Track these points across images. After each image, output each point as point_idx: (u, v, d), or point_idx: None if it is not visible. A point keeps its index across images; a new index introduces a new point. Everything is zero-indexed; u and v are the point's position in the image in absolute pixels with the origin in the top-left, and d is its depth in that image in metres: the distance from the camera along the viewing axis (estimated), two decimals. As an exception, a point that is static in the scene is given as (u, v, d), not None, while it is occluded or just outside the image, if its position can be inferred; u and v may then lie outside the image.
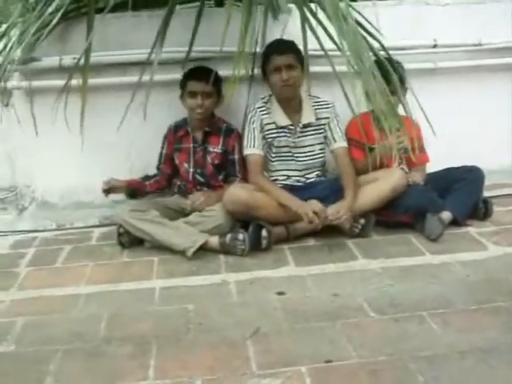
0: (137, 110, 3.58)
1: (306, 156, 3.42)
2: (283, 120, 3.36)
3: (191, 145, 3.46)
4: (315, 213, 3.09)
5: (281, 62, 3.21)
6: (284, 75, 3.22)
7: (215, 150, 3.44)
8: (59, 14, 3.22)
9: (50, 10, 3.16)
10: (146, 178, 3.56)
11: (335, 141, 3.40)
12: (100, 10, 3.13)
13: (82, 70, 2.99)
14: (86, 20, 3.20)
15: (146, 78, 3.53)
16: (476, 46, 3.81)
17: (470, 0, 3.78)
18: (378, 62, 2.80)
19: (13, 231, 3.63)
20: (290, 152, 3.41)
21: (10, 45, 3.25)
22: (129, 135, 3.63)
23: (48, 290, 2.81)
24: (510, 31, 3.82)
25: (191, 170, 3.46)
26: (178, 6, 4.13)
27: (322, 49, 2.75)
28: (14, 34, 3.27)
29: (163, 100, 3.61)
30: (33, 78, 3.53)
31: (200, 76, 3.29)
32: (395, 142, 3.17)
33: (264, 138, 3.36)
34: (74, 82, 3.48)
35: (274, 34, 3.33)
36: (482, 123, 3.87)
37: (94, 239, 3.49)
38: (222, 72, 3.27)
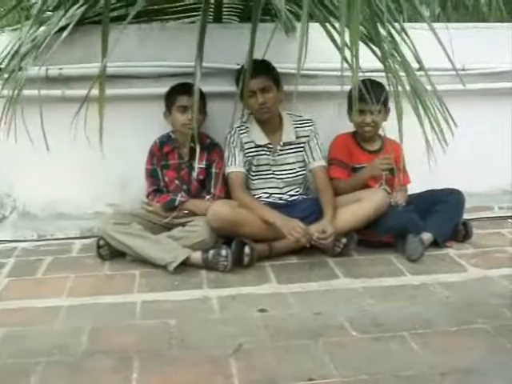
0: (121, 123, 3.62)
1: (287, 174, 3.44)
2: (261, 139, 3.37)
3: (177, 161, 3.46)
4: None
5: (255, 86, 3.17)
6: (259, 98, 3.21)
7: (200, 166, 3.44)
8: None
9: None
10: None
11: (314, 160, 3.42)
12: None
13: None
14: (71, 31, 3.21)
15: (130, 90, 3.58)
16: (460, 70, 3.86)
17: (455, 25, 3.85)
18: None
19: (-8, 240, 3.59)
20: (269, 170, 3.42)
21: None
22: (111, 147, 3.62)
23: (28, 302, 2.78)
24: (494, 57, 3.90)
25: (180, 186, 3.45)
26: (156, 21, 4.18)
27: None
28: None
29: (145, 114, 3.63)
30: (16, 87, 3.51)
31: (190, 91, 3.27)
32: (380, 162, 3.22)
33: (245, 156, 3.36)
34: (58, 92, 3.51)
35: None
36: (464, 147, 3.92)
37: (74, 251, 3.47)
38: (205, 88, 3.28)
